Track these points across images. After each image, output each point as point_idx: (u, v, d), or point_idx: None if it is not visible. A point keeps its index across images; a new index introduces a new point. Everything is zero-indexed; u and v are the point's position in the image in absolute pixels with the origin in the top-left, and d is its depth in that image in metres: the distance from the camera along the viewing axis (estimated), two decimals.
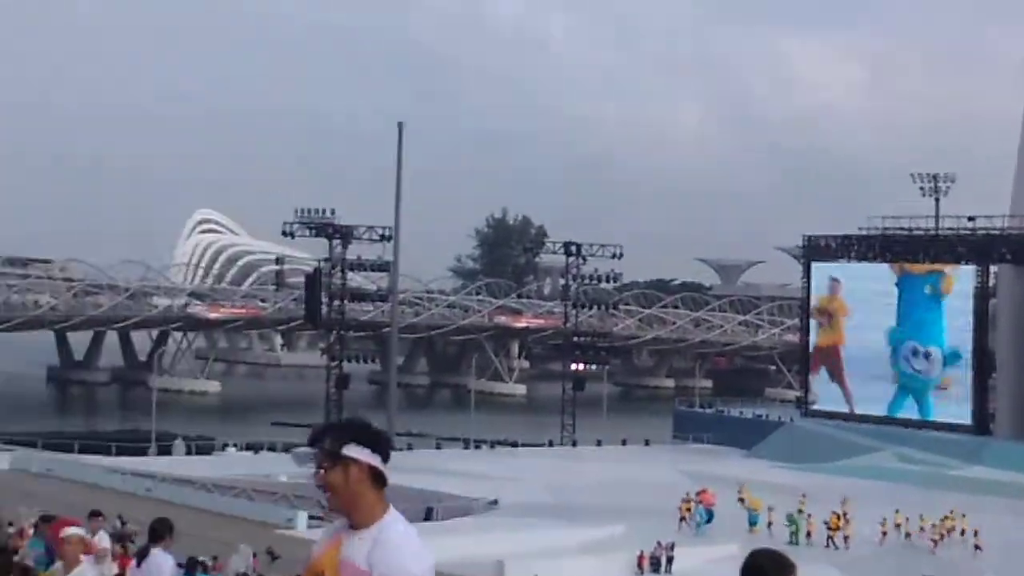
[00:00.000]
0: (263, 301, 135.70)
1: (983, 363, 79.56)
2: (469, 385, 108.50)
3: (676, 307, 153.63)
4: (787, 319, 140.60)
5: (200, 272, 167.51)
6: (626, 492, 61.22)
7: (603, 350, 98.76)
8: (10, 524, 25.74)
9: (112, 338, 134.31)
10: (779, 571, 5.04)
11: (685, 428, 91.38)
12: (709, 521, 55.50)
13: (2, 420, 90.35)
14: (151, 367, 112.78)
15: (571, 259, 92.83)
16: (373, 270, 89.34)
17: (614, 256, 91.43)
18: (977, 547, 52.82)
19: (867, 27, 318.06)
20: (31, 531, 18.80)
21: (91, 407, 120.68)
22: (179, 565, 15.52)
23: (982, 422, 78.98)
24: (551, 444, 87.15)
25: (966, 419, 78.67)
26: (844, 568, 48.34)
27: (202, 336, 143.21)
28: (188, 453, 75.82)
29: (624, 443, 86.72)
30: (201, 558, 23.86)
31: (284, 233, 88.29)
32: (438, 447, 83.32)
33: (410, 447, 76.84)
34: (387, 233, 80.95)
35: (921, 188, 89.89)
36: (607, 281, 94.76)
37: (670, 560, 48.63)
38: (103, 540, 18.24)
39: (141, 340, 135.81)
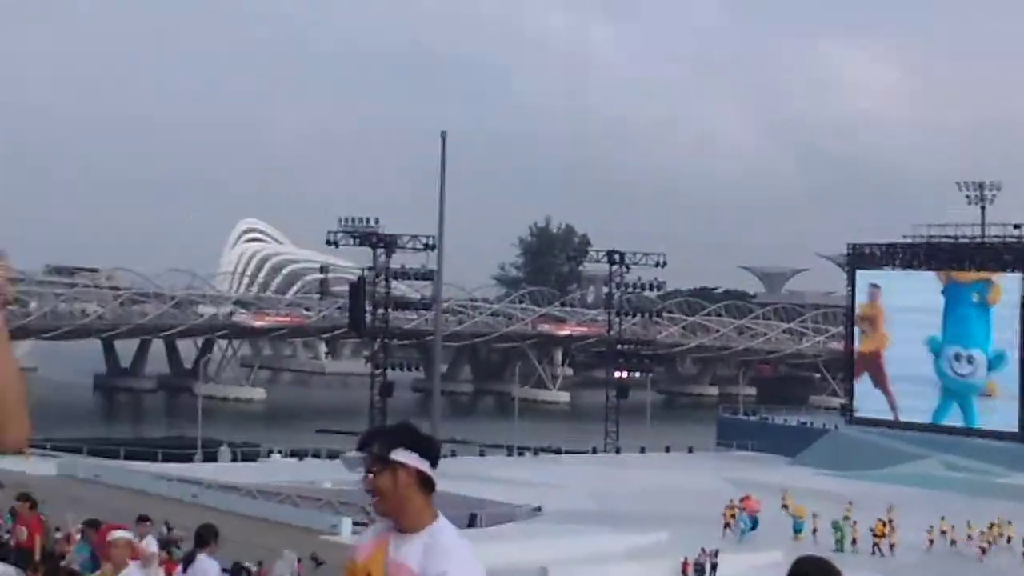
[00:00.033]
0: (307, 309, 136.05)
1: None
2: (513, 392, 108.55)
3: (720, 315, 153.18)
4: (831, 327, 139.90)
5: (245, 281, 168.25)
6: (670, 499, 61.11)
7: (646, 358, 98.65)
8: (57, 529, 26.02)
9: (158, 346, 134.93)
10: None
11: (729, 435, 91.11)
12: (754, 528, 55.33)
13: (50, 427, 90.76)
14: (197, 375, 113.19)
15: (614, 267, 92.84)
16: (417, 279, 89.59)
17: (657, 264, 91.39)
18: None
19: (910, 31, 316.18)
20: (78, 536, 18.98)
21: (137, 414, 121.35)
22: (224, 570, 15.65)
23: None
24: (595, 451, 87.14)
25: (1012, 426, 78.08)
26: (890, 575, 48.11)
27: (247, 344, 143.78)
28: (233, 460, 76.04)
29: (668, 450, 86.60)
30: (246, 564, 24.00)
31: (328, 242, 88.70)
32: (482, 454, 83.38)
33: (454, 454, 76.92)
34: (431, 242, 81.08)
35: (967, 196, 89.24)
36: (650, 289, 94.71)
37: (714, 567, 48.55)
38: (151, 545, 18.42)
39: (187, 348, 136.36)
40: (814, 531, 54.22)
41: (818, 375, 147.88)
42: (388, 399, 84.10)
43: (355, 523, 48.76)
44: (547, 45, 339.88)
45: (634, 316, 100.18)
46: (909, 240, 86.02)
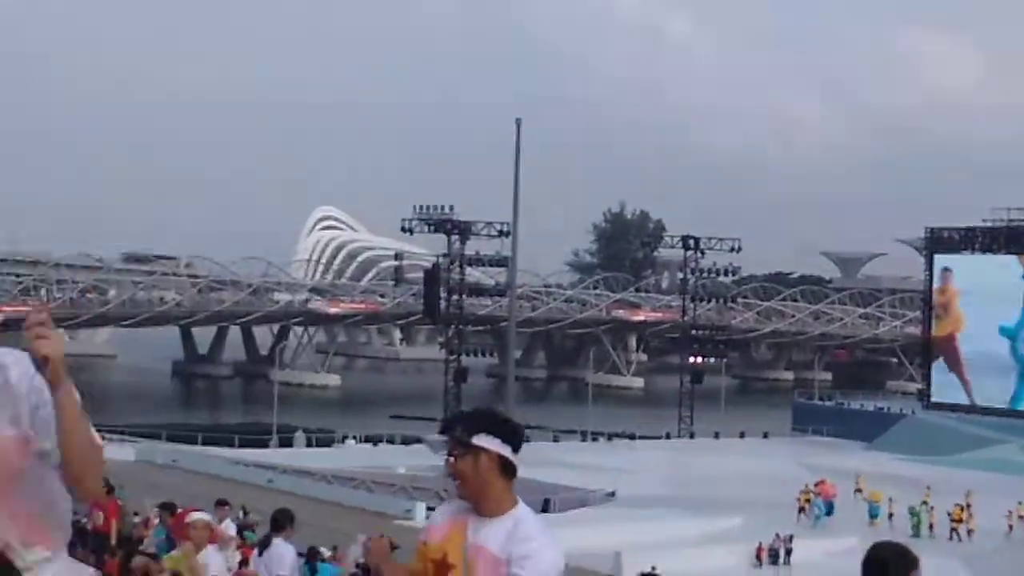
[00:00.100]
0: (382, 296, 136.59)
1: None
2: (587, 378, 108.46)
3: (795, 300, 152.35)
4: (909, 311, 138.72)
5: (320, 268, 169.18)
6: (744, 484, 60.93)
7: (721, 343, 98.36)
8: (135, 514, 26.31)
9: (235, 333, 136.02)
10: (902, 565, 5.03)
11: (804, 421, 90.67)
12: (829, 513, 55.06)
13: (128, 413, 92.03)
14: (273, 361, 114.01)
15: (689, 253, 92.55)
16: (491, 265, 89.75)
17: (732, 249, 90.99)
18: None
19: (991, 15, 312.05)
20: (156, 521, 19.19)
21: (214, 400, 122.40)
22: (299, 555, 15.78)
23: None
24: (668, 437, 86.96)
25: None
26: (968, 561, 47.68)
27: (322, 331, 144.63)
28: (309, 445, 76.55)
29: (742, 436, 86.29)
30: (321, 548, 24.17)
31: (403, 229, 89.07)
32: (555, 439, 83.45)
33: (528, 439, 76.80)
34: (505, 228, 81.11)
35: None
36: (725, 274, 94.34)
37: (789, 552, 48.36)
38: (229, 528, 18.63)
39: (263, 335, 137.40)
40: (890, 516, 53.88)
41: (895, 360, 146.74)
42: (462, 385, 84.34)
43: (428, 508, 48.93)
44: (623, 28, 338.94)
45: (709, 301, 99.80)
46: (989, 224, 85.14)
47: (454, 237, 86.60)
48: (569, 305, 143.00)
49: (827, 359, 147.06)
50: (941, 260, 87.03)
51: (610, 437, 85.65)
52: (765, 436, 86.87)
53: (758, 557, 48.04)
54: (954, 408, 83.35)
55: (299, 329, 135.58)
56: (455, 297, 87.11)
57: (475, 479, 4.77)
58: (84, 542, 16.08)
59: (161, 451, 67.92)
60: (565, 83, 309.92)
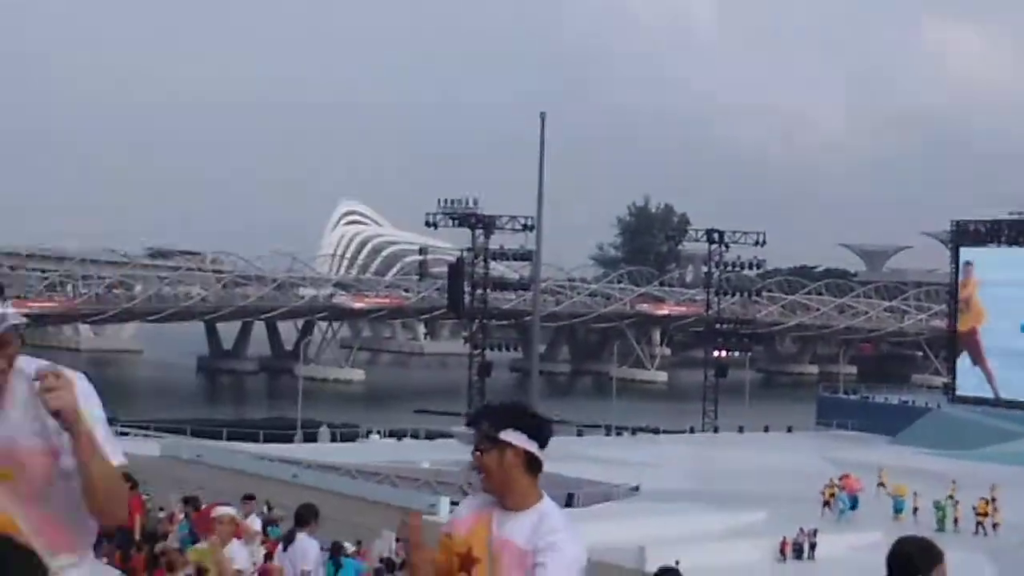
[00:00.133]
0: (407, 291, 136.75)
1: None
2: (611, 372, 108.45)
3: (820, 294, 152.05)
4: (934, 305, 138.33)
5: (345, 263, 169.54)
6: (768, 479, 60.78)
7: (745, 337, 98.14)
8: (161, 509, 26.45)
9: (260, 328, 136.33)
10: (927, 559, 5.06)
11: (829, 415, 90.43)
12: (854, 508, 54.89)
13: (153, 408, 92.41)
14: (297, 356, 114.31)
15: (714, 246, 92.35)
16: (515, 259, 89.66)
17: (757, 243, 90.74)
18: None
19: (1017, 9, 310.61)
20: (181, 516, 19.29)
21: (239, 395, 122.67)
22: (323, 549, 15.85)
23: None
24: (692, 431, 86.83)
25: None
26: (993, 555, 47.48)
27: (347, 326, 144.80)
28: (333, 440, 76.63)
29: (767, 430, 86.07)
30: (345, 543, 24.26)
31: (427, 224, 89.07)
32: (579, 434, 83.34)
33: (551, 429, 76.93)
34: (529, 223, 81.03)
35: None
36: (750, 268, 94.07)
37: (813, 546, 48.28)
38: (255, 523, 18.71)
39: (287, 330, 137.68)
40: (915, 510, 53.72)
41: (920, 353, 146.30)
42: (486, 379, 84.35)
43: (452, 503, 48.95)
44: (647, 23, 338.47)
45: (733, 295, 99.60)
46: (1015, 216, 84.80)
47: (478, 231, 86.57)
48: (593, 299, 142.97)
49: (852, 353, 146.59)
50: (966, 253, 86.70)
51: (634, 431, 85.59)
52: (789, 430, 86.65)
53: (782, 551, 47.98)
54: (979, 402, 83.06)
55: (323, 324, 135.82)
56: (479, 291, 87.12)
57: (500, 474, 4.80)
58: (109, 537, 16.18)
59: (186, 446, 68.04)
60: (588, 78, 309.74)
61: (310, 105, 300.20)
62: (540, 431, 4.87)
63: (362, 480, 58.61)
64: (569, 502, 51.05)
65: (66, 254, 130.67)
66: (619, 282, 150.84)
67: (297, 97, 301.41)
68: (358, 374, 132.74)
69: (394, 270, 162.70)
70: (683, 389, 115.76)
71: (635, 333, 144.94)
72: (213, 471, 58.24)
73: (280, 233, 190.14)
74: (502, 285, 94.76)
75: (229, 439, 73.71)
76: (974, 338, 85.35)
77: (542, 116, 67.44)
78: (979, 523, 52.80)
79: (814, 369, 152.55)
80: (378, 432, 79.99)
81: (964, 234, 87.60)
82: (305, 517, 13.87)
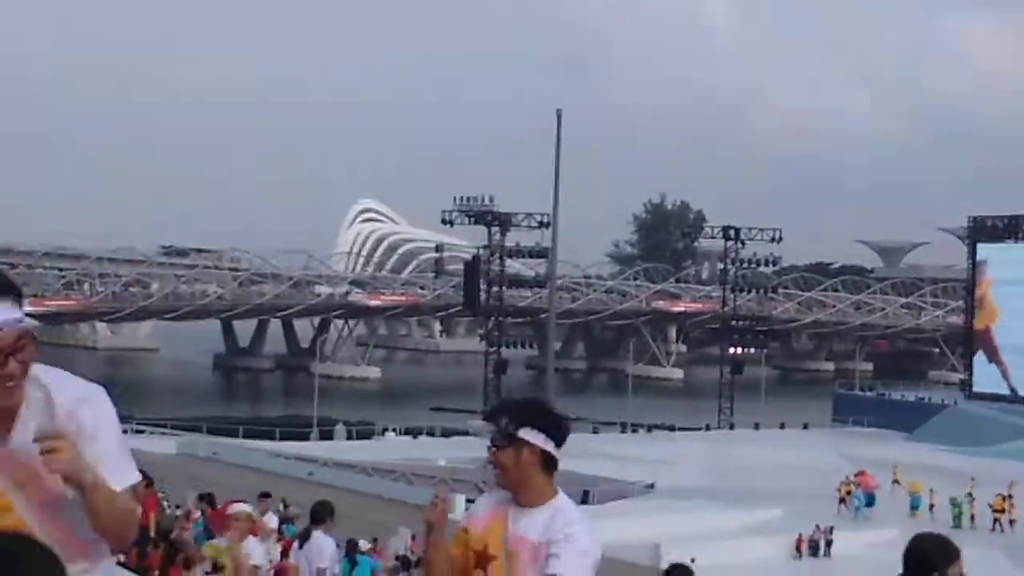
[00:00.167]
0: (422, 288, 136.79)
1: None
2: (626, 369, 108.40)
3: (836, 290, 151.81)
4: (951, 301, 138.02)
5: (361, 260, 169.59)
6: (784, 476, 60.69)
7: (761, 334, 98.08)
8: (177, 507, 26.52)
9: (276, 326, 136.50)
10: (944, 556, 5.07)
11: (845, 411, 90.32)
12: (870, 505, 54.78)
13: (170, 406, 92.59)
14: (313, 354, 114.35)
15: (730, 243, 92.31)
16: (531, 256, 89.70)
17: (773, 240, 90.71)
18: None
19: None
20: (198, 514, 19.33)
21: (255, 393, 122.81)
22: (339, 547, 15.87)
23: None
24: (708, 428, 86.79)
25: None
26: (1010, 551, 47.35)
27: (363, 323, 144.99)
28: (349, 438, 76.66)
29: (782, 427, 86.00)
30: (360, 540, 24.29)
31: (443, 221, 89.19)
32: (595, 431, 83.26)
33: (569, 428, 76.82)
34: (545, 220, 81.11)
35: None
36: (766, 265, 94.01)
37: (829, 544, 48.24)
38: (272, 521, 18.76)
39: (303, 328, 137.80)
40: (931, 507, 53.61)
41: (937, 350, 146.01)
42: (502, 376, 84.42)
43: (468, 500, 48.86)
44: (663, 19, 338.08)
45: (749, 292, 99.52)
46: None
47: (494, 229, 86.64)
48: (609, 296, 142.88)
49: (868, 349, 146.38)
50: (984, 249, 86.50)
51: (650, 428, 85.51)
52: (805, 427, 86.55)
53: (798, 548, 47.95)
54: (996, 398, 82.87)
55: (339, 322, 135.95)
56: (495, 289, 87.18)
57: (516, 472, 4.82)
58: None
59: (202, 444, 68.10)
60: (604, 74, 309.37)
61: (311, 105, 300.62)
62: (558, 430, 4.90)
63: (378, 478, 58.63)
64: (585, 499, 51.02)
65: (83, 253, 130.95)
66: (635, 279, 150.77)
67: (297, 97, 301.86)
68: (374, 372, 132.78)
69: (410, 268, 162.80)
70: (699, 386, 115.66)
71: (651, 330, 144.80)
72: (229, 469, 58.34)
73: (288, 232, 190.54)
74: (518, 282, 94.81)
75: (245, 437, 73.81)
76: (988, 336, 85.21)
77: (558, 113, 67.51)
78: (996, 520, 52.71)
79: (830, 366, 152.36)
80: (394, 430, 80.00)
81: (981, 230, 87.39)
82: (321, 515, 13.90)
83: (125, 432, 4.19)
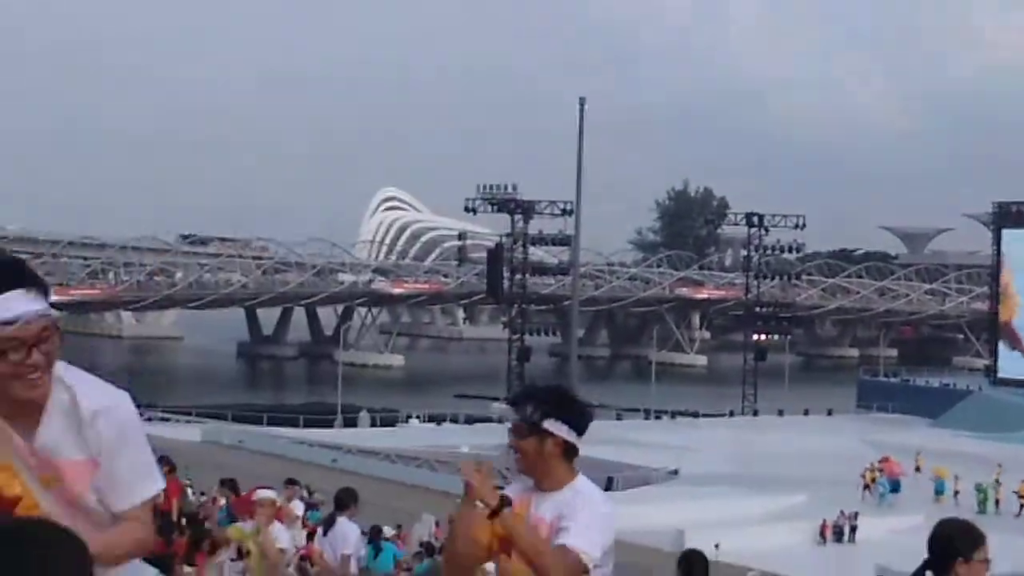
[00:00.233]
0: (446, 276, 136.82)
1: None
2: (650, 356, 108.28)
3: (860, 276, 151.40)
4: (975, 287, 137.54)
5: (384, 249, 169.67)
6: (808, 462, 60.57)
7: (785, 320, 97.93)
8: (202, 494, 26.60)
9: (300, 314, 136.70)
10: (969, 542, 5.06)
11: (869, 398, 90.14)
12: (894, 491, 54.69)
13: (194, 394, 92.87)
14: (337, 342, 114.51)
15: (753, 230, 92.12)
16: (554, 244, 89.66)
17: (797, 226, 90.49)
18: None
19: None
20: (222, 501, 19.39)
21: (279, 381, 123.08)
22: (363, 533, 15.92)
23: None
24: (732, 414, 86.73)
25: None
26: None
27: (386, 311, 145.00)
28: (373, 425, 76.79)
29: (806, 413, 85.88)
30: (384, 527, 24.34)
31: (467, 209, 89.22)
32: (619, 418, 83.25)
33: (592, 417, 76.79)
34: (568, 207, 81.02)
35: None
36: (789, 251, 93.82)
37: (853, 530, 48.17)
38: (297, 508, 18.82)
39: (327, 316, 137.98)
40: (956, 493, 53.49)
41: (961, 336, 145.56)
42: (525, 364, 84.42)
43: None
44: (685, 6, 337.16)
45: (773, 279, 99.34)
46: None
47: (517, 216, 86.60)
48: (632, 283, 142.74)
49: (892, 335, 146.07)
50: (1009, 235, 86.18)
51: (673, 415, 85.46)
52: (829, 413, 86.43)
53: (822, 534, 47.90)
54: (1021, 384, 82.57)
55: (363, 310, 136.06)
56: (518, 276, 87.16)
57: (539, 460, 4.90)
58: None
59: (227, 432, 68.26)
60: (627, 61, 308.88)
61: (331, 91, 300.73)
62: (581, 420, 4.95)
63: (401, 465, 58.73)
64: (608, 486, 51.01)
65: (108, 242, 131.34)
66: (658, 266, 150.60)
67: (319, 83, 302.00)
68: (397, 359, 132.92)
69: (433, 255, 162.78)
70: (722, 373, 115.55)
71: (674, 317, 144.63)
72: (254, 456, 58.51)
73: (311, 220, 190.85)
74: (541, 270, 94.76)
75: (269, 424, 74.00)
76: (1010, 326, 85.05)
77: (581, 101, 67.51)
78: (1021, 505, 52.60)
79: (854, 352, 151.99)
80: (417, 417, 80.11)
81: (1006, 216, 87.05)
82: (345, 501, 13.94)
83: (149, 420, 4.22)
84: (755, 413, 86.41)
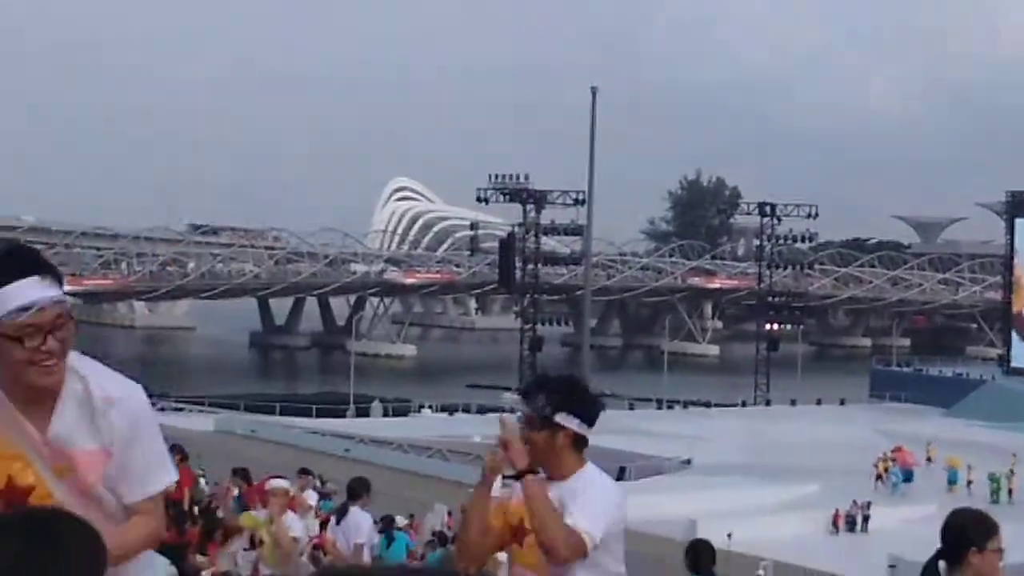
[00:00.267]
0: (458, 266, 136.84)
1: None
2: (662, 346, 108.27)
3: (873, 266, 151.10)
4: (989, 276, 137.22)
5: (396, 239, 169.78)
6: (821, 452, 60.52)
7: (798, 310, 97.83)
8: (215, 484, 26.63)
9: (312, 304, 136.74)
10: (982, 531, 5.07)
11: (882, 387, 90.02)
12: (907, 481, 54.67)
13: (207, 384, 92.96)
14: (349, 332, 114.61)
15: (765, 219, 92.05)
16: (566, 234, 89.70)
17: (809, 216, 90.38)
18: None
19: None
20: (235, 491, 19.42)
21: (291, 371, 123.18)
22: (376, 523, 15.96)
23: None
24: (744, 404, 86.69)
25: None
26: None
27: (398, 301, 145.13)
28: (385, 415, 76.90)
29: (819, 403, 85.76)
30: (397, 516, 24.37)
31: (479, 199, 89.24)
32: (631, 407, 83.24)
33: (603, 408, 76.78)
34: (580, 197, 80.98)
35: None
36: (802, 241, 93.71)
37: (866, 519, 48.14)
38: (311, 497, 18.83)
39: (339, 306, 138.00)
40: (969, 483, 53.44)
41: (975, 326, 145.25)
42: (538, 354, 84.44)
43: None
44: None
45: (785, 268, 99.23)
46: None
47: (529, 206, 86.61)
48: (644, 273, 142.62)
49: (905, 325, 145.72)
50: (1022, 224, 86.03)
51: (686, 405, 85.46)
52: (842, 403, 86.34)
53: (835, 524, 47.87)
54: None
55: (375, 300, 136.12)
56: (530, 266, 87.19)
57: (549, 451, 4.94)
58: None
59: (240, 421, 68.40)
60: (639, 50, 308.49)
61: (342, 80, 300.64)
62: (592, 413, 4.98)
63: (414, 454, 58.82)
64: (621, 475, 51.01)
65: (120, 232, 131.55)
66: (670, 256, 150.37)
67: (329, 72, 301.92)
68: (410, 349, 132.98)
69: (445, 245, 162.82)
70: (735, 362, 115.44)
71: (687, 307, 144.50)
72: (267, 446, 58.54)
73: (323, 210, 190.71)
74: (553, 260, 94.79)
75: (282, 414, 74.08)
76: (1023, 316, 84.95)
77: (593, 91, 67.39)
78: None
79: (867, 342, 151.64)
80: (430, 407, 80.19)
81: (1020, 205, 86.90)
82: (357, 491, 13.96)
83: (162, 410, 4.24)
84: (767, 403, 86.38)
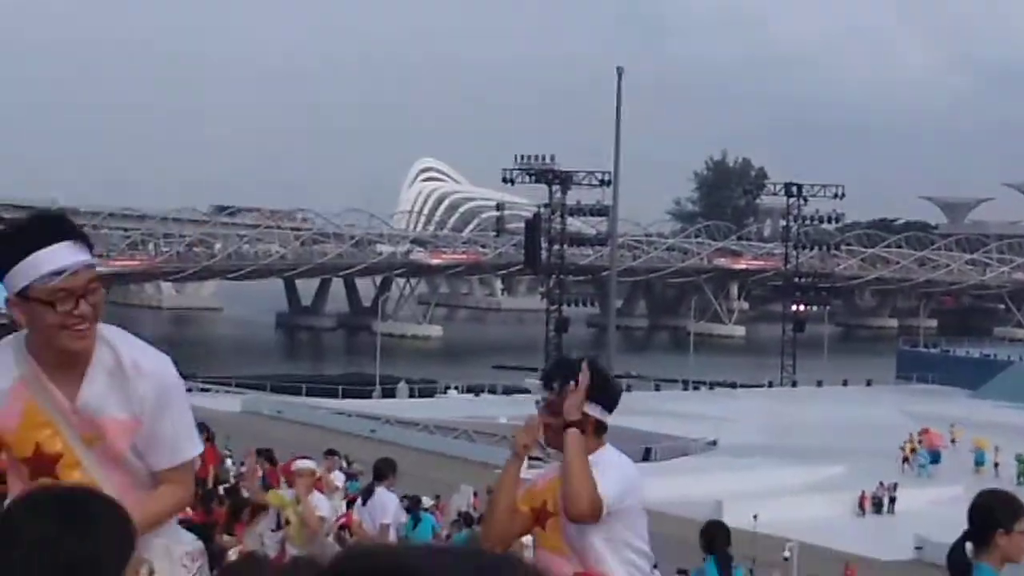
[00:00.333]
0: (484, 247, 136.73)
1: None
2: (688, 327, 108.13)
3: (900, 247, 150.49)
4: (1017, 257, 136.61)
5: (422, 219, 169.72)
6: (847, 433, 60.43)
7: (824, 291, 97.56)
8: (242, 464, 26.74)
9: (338, 285, 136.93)
10: (1009, 512, 5.08)
11: (909, 368, 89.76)
12: (934, 462, 54.53)
13: (234, 364, 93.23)
14: (375, 313, 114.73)
15: (792, 200, 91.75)
16: (592, 215, 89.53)
17: (836, 196, 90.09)
18: None
19: None
20: (260, 472, 19.50)
21: (318, 352, 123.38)
22: (402, 503, 15.99)
23: None
24: (771, 385, 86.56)
25: None
26: None
27: (424, 282, 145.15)
28: (411, 396, 77.02)
29: (845, 384, 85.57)
30: (423, 497, 24.44)
31: (504, 180, 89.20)
32: (657, 388, 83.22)
33: (629, 388, 76.65)
34: (606, 178, 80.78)
35: None
36: (828, 222, 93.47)
37: (892, 501, 48.08)
38: (338, 478, 18.89)
39: (365, 286, 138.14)
40: (996, 464, 53.28)
41: (1002, 306, 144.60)
42: (563, 334, 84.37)
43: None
44: None
45: (811, 249, 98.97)
46: None
47: (555, 187, 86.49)
48: (670, 254, 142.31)
49: (932, 306, 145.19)
50: None
51: (711, 386, 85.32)
52: (868, 384, 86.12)
53: (861, 506, 47.81)
54: None
55: (401, 280, 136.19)
56: (556, 247, 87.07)
57: None
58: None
59: (266, 402, 68.60)
60: (667, 30, 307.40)
61: (369, 60, 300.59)
62: (613, 400, 5.06)
63: (440, 435, 58.91)
64: (647, 456, 51.09)
65: (147, 213, 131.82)
66: (696, 236, 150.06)
67: (355, 52, 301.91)
68: (436, 330, 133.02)
69: (471, 226, 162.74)
70: (761, 343, 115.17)
71: (712, 288, 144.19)
72: (293, 426, 58.76)
73: (349, 191, 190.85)
74: (579, 240, 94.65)
75: (308, 395, 74.31)
76: None
77: (619, 71, 67.18)
78: None
79: (894, 323, 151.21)
80: (456, 388, 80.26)
81: None
82: (383, 471, 13.98)
83: (189, 390, 4.27)
84: (794, 384, 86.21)
